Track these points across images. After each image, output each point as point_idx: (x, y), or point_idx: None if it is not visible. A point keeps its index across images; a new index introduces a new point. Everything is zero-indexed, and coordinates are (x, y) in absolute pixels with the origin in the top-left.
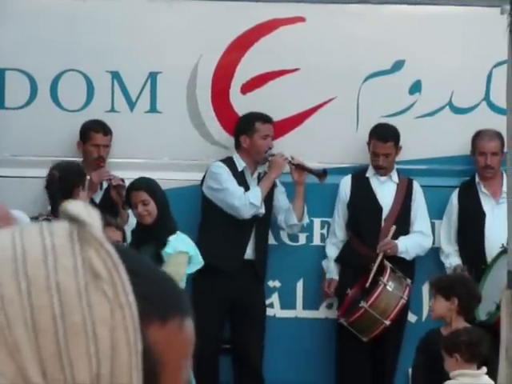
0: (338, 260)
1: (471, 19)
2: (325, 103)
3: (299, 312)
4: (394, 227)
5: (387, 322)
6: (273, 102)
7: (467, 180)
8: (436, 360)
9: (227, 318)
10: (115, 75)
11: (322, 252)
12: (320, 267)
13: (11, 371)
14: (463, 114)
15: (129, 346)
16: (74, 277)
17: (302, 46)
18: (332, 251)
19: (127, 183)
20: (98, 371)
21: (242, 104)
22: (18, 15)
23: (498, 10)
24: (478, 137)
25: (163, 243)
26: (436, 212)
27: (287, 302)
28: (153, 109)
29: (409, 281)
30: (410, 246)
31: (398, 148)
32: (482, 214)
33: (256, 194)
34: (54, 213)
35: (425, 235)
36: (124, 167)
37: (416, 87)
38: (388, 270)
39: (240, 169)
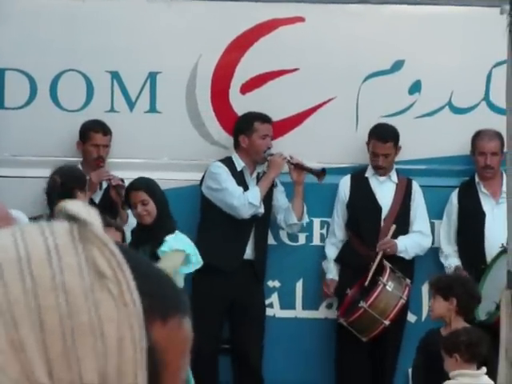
0: (337, 260)
1: (471, 19)
2: (324, 103)
3: (299, 312)
4: (394, 226)
5: (387, 322)
6: (272, 102)
7: (467, 180)
8: (436, 360)
9: (227, 317)
10: (115, 75)
11: (321, 252)
12: (320, 267)
13: (16, 371)
14: (463, 114)
15: (134, 343)
16: (79, 276)
17: (301, 46)
18: (331, 251)
19: (127, 183)
20: (105, 370)
21: (241, 104)
22: (17, 15)
23: (498, 10)
24: (477, 137)
25: (160, 242)
26: (435, 212)
27: (287, 302)
28: (152, 109)
29: (408, 281)
30: (409, 245)
31: (397, 148)
32: (482, 214)
33: (255, 194)
34: (54, 217)
35: (424, 235)
36: (123, 167)
37: (416, 87)
38: (387, 270)
39: (239, 169)
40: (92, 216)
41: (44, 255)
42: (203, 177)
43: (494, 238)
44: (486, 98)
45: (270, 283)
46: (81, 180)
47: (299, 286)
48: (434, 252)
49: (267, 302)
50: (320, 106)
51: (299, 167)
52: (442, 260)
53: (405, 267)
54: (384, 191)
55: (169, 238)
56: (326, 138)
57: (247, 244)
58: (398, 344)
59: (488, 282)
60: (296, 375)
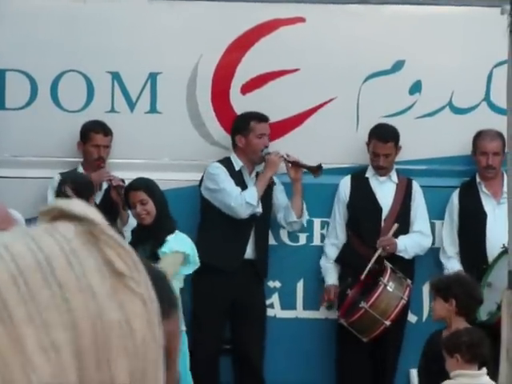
0: (337, 260)
1: (471, 19)
2: (325, 103)
3: (299, 312)
4: (396, 225)
5: (387, 323)
6: (273, 102)
7: (468, 180)
8: (440, 361)
9: (227, 318)
10: (115, 76)
11: (322, 252)
12: (320, 267)
13: (48, 373)
14: (463, 115)
15: (155, 341)
16: (100, 277)
17: (302, 47)
18: (331, 252)
19: (127, 183)
20: (134, 370)
21: (242, 104)
22: (18, 16)
23: (499, 10)
24: (479, 137)
25: (160, 242)
26: (436, 212)
27: (287, 303)
28: (153, 109)
29: (409, 281)
30: (409, 245)
31: (397, 148)
32: (483, 215)
33: (252, 194)
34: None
35: (424, 235)
36: (124, 168)
37: (416, 87)
38: (388, 271)
39: (237, 168)
40: (98, 216)
41: (63, 259)
42: (202, 178)
43: (495, 238)
44: (487, 98)
45: (271, 283)
46: (92, 186)
47: (300, 286)
48: (435, 252)
49: (268, 302)
50: (320, 106)
51: (296, 164)
52: (444, 260)
53: (405, 267)
54: (384, 191)
55: (170, 239)
56: (326, 139)
57: (247, 244)
58: (398, 344)
59: (489, 282)
60: (297, 375)
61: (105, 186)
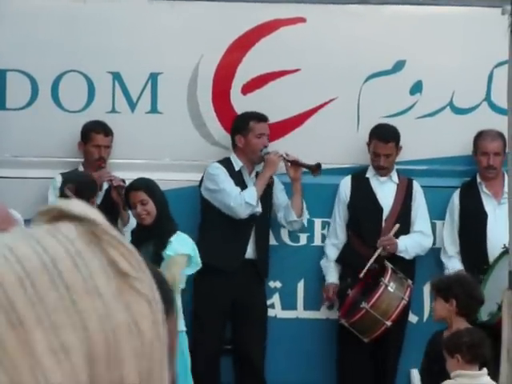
0: (338, 261)
1: (472, 19)
2: (325, 104)
3: (300, 313)
4: (397, 225)
5: (388, 323)
6: (273, 102)
7: (468, 180)
8: (441, 362)
9: (228, 318)
10: (116, 76)
11: (322, 253)
12: (321, 268)
13: (59, 376)
14: (464, 115)
15: (160, 341)
16: (106, 278)
17: (302, 47)
18: (332, 252)
19: (128, 184)
20: (142, 370)
21: (242, 104)
22: (18, 16)
23: (499, 10)
24: (480, 137)
25: (164, 244)
26: (437, 212)
27: (288, 303)
28: (154, 109)
29: (410, 282)
30: (409, 245)
31: (398, 148)
32: (484, 215)
33: (251, 194)
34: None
35: (425, 235)
36: (125, 168)
37: (417, 87)
38: (389, 271)
39: (237, 168)
40: (99, 216)
41: (69, 261)
42: (202, 178)
43: (496, 238)
44: (488, 98)
45: (272, 284)
46: (95, 186)
47: (300, 286)
48: (436, 252)
49: (268, 302)
50: (321, 106)
51: (295, 163)
52: (445, 260)
53: (406, 268)
54: (385, 191)
55: (173, 240)
56: (326, 139)
57: (248, 243)
58: (399, 345)
59: (490, 282)
60: (297, 376)
61: (105, 186)
